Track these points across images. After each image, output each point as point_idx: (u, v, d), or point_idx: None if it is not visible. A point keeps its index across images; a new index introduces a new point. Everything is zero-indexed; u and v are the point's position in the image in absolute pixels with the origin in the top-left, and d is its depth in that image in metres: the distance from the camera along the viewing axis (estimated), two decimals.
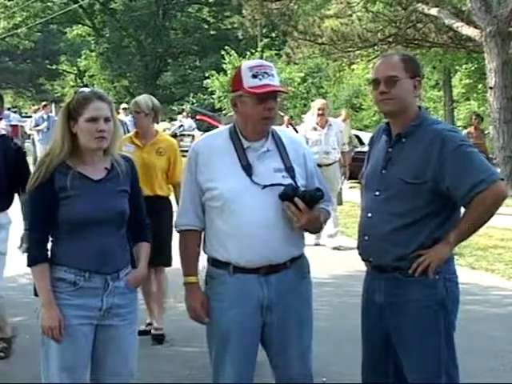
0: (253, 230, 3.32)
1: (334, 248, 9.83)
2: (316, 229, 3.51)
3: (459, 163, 3.23)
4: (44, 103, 20.50)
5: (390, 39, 20.90)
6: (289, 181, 3.37)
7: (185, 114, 29.47)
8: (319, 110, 9.94)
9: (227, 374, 3.42)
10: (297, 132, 16.74)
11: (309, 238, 8.66)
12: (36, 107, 20.86)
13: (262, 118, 3.36)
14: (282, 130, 3.63)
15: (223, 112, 28.59)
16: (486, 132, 17.82)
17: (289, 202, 3.30)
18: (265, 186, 3.32)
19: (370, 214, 3.43)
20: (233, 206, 3.34)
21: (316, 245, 9.64)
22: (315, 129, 9.90)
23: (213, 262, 3.46)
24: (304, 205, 3.29)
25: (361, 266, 3.61)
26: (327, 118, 10.02)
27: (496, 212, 3.30)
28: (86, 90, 3.43)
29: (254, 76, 3.33)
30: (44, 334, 3.35)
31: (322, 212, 3.48)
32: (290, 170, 3.40)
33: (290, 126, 18.51)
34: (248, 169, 3.36)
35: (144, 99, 5.89)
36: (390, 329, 3.38)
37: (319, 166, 9.33)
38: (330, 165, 9.82)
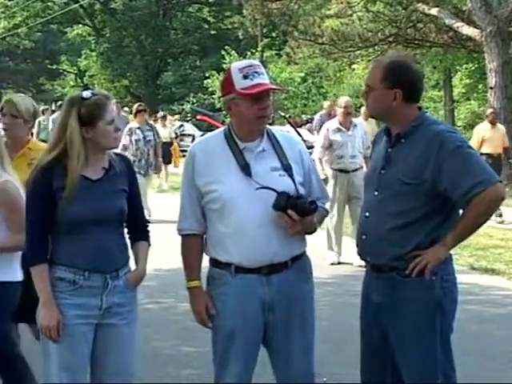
0: (252, 229, 3.32)
1: (361, 266, 9.12)
2: (311, 232, 3.47)
3: (457, 164, 3.22)
4: (60, 103, 19.90)
5: (391, 39, 20.91)
6: (286, 179, 3.36)
7: (177, 117, 29.38)
8: (345, 108, 8.75)
9: (231, 374, 3.42)
10: (297, 132, 16.88)
11: (331, 256, 8.32)
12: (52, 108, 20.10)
13: (257, 118, 3.36)
14: (277, 129, 3.63)
15: (223, 112, 28.56)
16: None
17: (282, 211, 3.29)
18: (258, 188, 3.30)
19: (368, 214, 3.43)
20: (232, 206, 3.34)
21: (339, 263, 8.79)
22: (339, 130, 8.72)
23: (214, 262, 3.46)
24: (297, 216, 3.28)
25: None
26: (351, 119, 8.93)
27: (493, 214, 3.30)
28: (88, 92, 3.41)
29: (245, 77, 3.33)
30: (42, 333, 3.35)
31: (318, 212, 3.44)
32: (287, 169, 3.39)
33: (289, 125, 18.54)
34: (246, 169, 3.36)
35: (24, 101, 4.62)
36: (388, 329, 3.38)
37: (346, 171, 8.73)
38: (357, 170, 8.74)
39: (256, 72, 3.35)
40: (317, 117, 17.46)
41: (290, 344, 3.44)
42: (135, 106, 12.38)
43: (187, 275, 3.51)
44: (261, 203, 3.31)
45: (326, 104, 17.43)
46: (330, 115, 16.17)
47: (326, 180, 8.50)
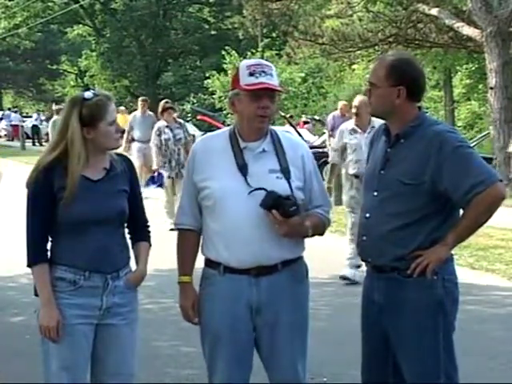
0: (242, 230, 3.31)
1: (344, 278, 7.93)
2: (302, 236, 3.43)
3: (458, 164, 3.22)
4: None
5: (391, 39, 20.90)
6: (283, 182, 3.35)
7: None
8: (355, 108, 8.05)
9: (220, 374, 3.42)
10: (298, 132, 16.84)
11: (349, 272, 7.76)
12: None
13: (256, 116, 3.34)
14: (283, 131, 3.62)
15: (224, 112, 28.57)
16: (486, 132, 17.79)
17: (268, 211, 3.27)
18: (251, 191, 3.29)
19: (368, 215, 3.43)
20: (223, 205, 3.34)
21: (355, 283, 7.35)
22: (354, 131, 7.99)
23: (206, 261, 3.47)
24: (280, 216, 3.26)
25: (361, 266, 3.61)
26: (370, 118, 7.84)
27: (494, 213, 3.30)
28: (90, 93, 3.42)
29: (251, 74, 3.33)
30: (41, 333, 3.36)
31: (313, 217, 3.43)
32: (285, 172, 3.38)
33: (289, 125, 18.50)
34: (243, 168, 3.36)
35: None
36: (389, 329, 3.38)
37: (359, 177, 7.85)
38: None
39: (263, 71, 3.34)
40: (330, 117, 17.16)
41: (278, 350, 3.41)
42: (161, 103, 11.58)
43: (179, 270, 3.53)
44: (253, 204, 3.29)
45: (340, 104, 17.15)
46: (344, 116, 15.89)
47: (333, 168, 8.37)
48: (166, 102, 11.59)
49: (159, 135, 11.02)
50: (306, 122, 23.78)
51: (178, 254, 3.55)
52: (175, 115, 11.70)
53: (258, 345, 3.45)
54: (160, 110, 11.41)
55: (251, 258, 3.33)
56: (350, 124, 8.15)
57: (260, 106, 3.33)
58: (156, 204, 11.27)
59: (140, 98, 15.68)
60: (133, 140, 14.76)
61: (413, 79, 3.36)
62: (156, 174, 11.05)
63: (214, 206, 3.36)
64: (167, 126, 11.06)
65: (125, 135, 15.09)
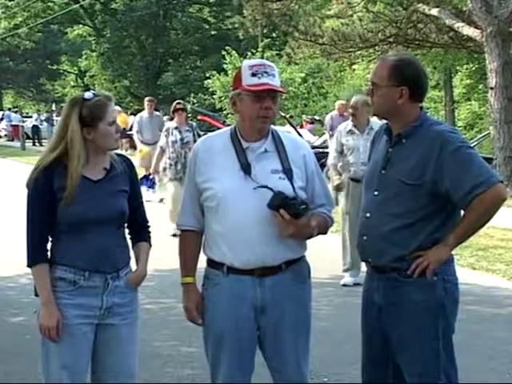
0: (245, 230, 3.30)
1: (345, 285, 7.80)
2: (307, 236, 3.43)
3: (458, 165, 3.22)
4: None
5: (391, 39, 20.90)
6: (285, 182, 3.34)
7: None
8: (352, 108, 7.78)
9: (223, 375, 3.41)
10: (298, 133, 16.81)
11: (345, 277, 7.82)
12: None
13: (258, 117, 3.34)
14: (284, 131, 3.61)
15: (224, 112, 28.55)
16: (487, 132, 17.78)
17: (275, 211, 3.27)
18: (256, 187, 3.29)
19: (368, 214, 3.43)
20: (226, 206, 3.33)
21: (355, 284, 7.40)
22: (352, 132, 7.69)
23: (209, 262, 3.46)
24: (289, 216, 3.25)
25: (362, 267, 3.61)
26: (368, 118, 7.66)
27: (495, 214, 3.30)
28: (90, 93, 3.42)
29: (254, 74, 3.32)
30: (41, 333, 3.36)
31: (318, 217, 3.43)
32: (287, 172, 3.37)
33: (288, 125, 18.48)
34: (246, 168, 3.35)
35: None
36: (389, 329, 3.38)
37: (357, 181, 7.47)
38: None
39: (266, 72, 3.33)
40: (328, 118, 17.11)
41: (282, 350, 3.41)
42: (174, 103, 11.22)
43: (182, 271, 3.52)
44: (257, 204, 3.29)
45: (337, 104, 17.01)
46: (343, 116, 15.76)
47: (340, 187, 7.76)
48: (178, 103, 11.23)
49: (167, 136, 10.70)
50: (310, 123, 23.74)
51: (181, 255, 3.54)
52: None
53: (261, 344, 3.45)
54: (171, 110, 11.09)
55: (255, 258, 3.33)
56: (348, 124, 7.84)
57: (262, 107, 3.32)
58: (157, 205, 11.28)
59: (146, 98, 15.29)
60: (140, 142, 14.50)
61: (415, 80, 3.36)
62: (151, 176, 10.98)
63: (217, 206, 3.36)
64: (176, 128, 10.71)
65: (135, 138, 14.86)
